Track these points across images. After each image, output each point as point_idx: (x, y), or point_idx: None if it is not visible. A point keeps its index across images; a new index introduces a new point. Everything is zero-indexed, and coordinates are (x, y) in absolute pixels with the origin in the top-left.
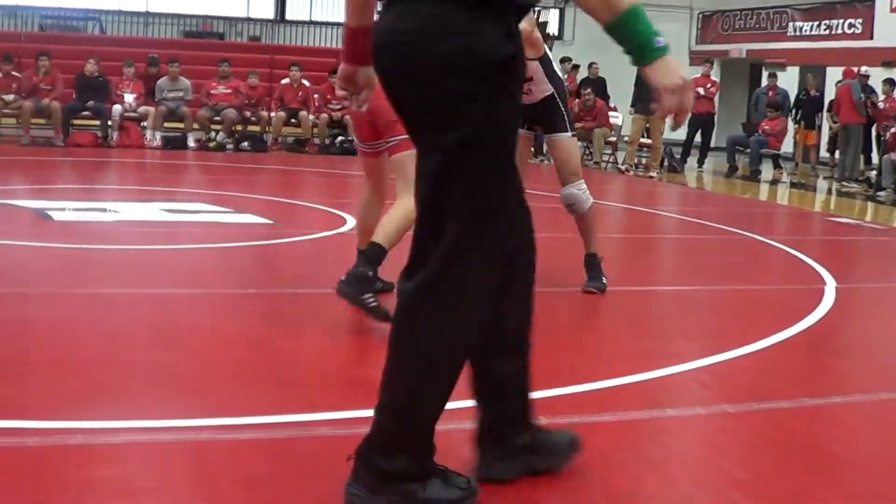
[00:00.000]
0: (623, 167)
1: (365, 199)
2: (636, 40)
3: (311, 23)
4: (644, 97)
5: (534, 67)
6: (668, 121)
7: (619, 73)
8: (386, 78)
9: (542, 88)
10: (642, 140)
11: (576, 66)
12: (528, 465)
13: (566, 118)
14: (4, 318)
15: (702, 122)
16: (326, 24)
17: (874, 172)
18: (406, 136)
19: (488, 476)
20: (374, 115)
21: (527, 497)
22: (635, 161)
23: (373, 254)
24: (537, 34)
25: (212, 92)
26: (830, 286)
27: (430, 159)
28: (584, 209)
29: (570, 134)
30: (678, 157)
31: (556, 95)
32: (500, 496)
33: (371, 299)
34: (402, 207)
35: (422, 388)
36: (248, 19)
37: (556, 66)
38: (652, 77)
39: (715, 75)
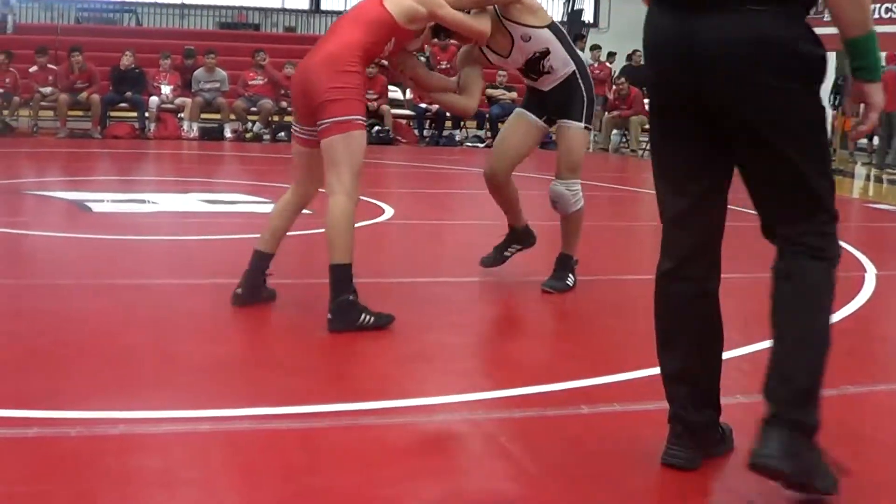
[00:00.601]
0: None
1: (284, 198)
2: (873, 59)
3: (345, 13)
4: None
5: (545, 37)
6: None
7: None
8: (710, 85)
9: (562, 62)
10: None
11: (612, 54)
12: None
13: (584, 105)
14: (45, 310)
15: None
16: None
17: None
18: (338, 119)
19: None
20: (310, 95)
21: (576, 482)
22: None
23: (340, 277)
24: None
25: (249, 83)
26: (871, 273)
27: (773, 161)
28: (568, 211)
29: (581, 125)
30: None
31: (578, 73)
32: (557, 484)
33: (366, 319)
34: (339, 210)
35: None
36: (283, 10)
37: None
38: (874, 94)
39: None
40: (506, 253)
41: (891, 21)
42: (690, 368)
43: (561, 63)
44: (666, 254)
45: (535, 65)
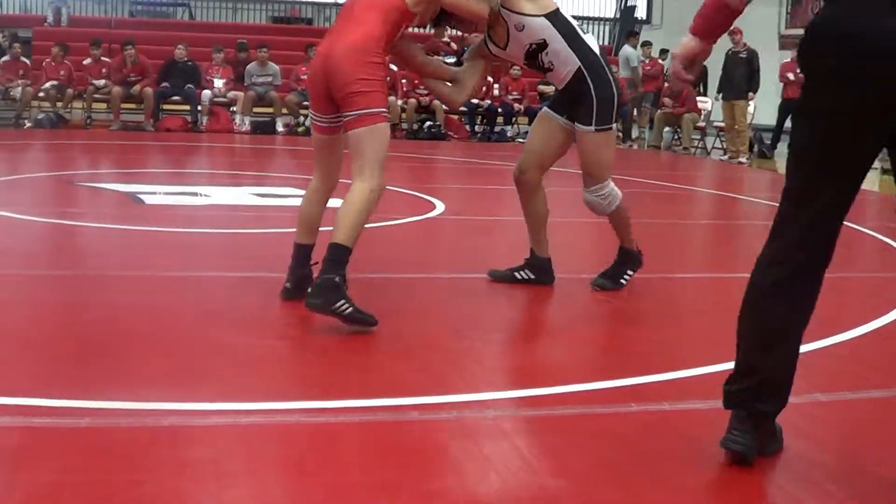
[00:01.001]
0: (726, 157)
1: (310, 187)
2: None
3: None
4: (728, 83)
5: (540, 26)
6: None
7: (711, 58)
8: None
9: (563, 59)
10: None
11: (664, 51)
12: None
13: (594, 106)
14: (97, 301)
15: (792, 107)
16: None
17: None
18: (364, 111)
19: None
20: (333, 86)
21: (625, 480)
22: (724, 146)
23: (335, 257)
24: None
25: (301, 77)
26: None
27: None
28: (604, 213)
29: (592, 128)
30: (768, 142)
31: (586, 71)
32: (605, 482)
33: (345, 307)
34: (357, 194)
35: None
36: (336, 4)
37: (580, 31)
38: None
39: None
40: (516, 275)
41: None
42: (781, 363)
43: (561, 60)
44: (798, 248)
45: (535, 59)
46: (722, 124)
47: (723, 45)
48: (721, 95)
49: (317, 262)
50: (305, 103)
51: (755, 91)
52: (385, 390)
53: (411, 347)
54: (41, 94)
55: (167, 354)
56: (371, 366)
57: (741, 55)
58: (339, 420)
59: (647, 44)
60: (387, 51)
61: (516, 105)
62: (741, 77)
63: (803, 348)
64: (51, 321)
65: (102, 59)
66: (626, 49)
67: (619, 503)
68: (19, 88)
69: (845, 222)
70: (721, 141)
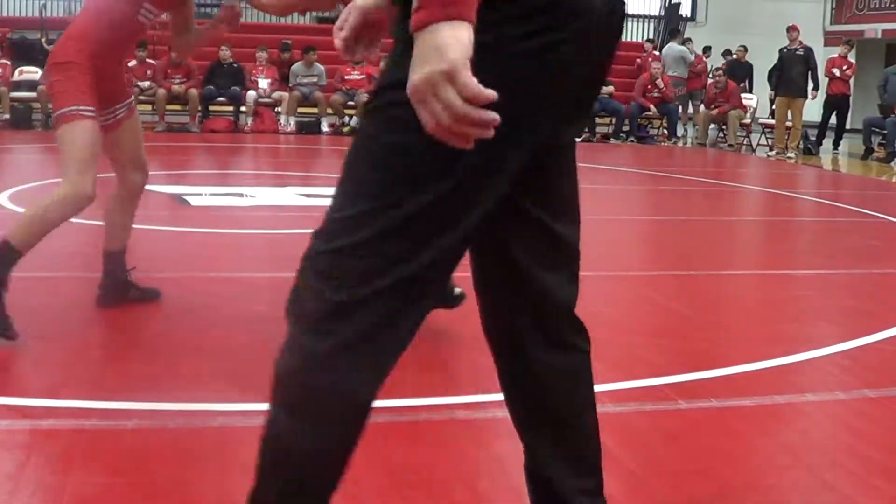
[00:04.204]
0: (773, 154)
1: (113, 194)
2: None
3: None
4: (786, 80)
5: None
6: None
7: (755, 55)
8: None
9: None
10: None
11: (707, 48)
12: None
13: None
14: (144, 302)
15: (837, 104)
16: None
17: None
18: (57, 114)
19: None
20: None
21: (677, 478)
22: (769, 143)
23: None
24: None
25: (346, 77)
26: None
27: None
28: None
29: None
30: (813, 139)
31: None
32: (658, 479)
33: None
34: (52, 195)
35: None
36: None
37: None
38: None
39: (850, 56)
40: None
41: None
42: None
43: None
44: None
45: None
46: (769, 121)
47: (776, 42)
48: (777, 93)
49: (134, 267)
50: (350, 103)
51: (817, 88)
52: (433, 389)
53: (460, 346)
54: None
55: (214, 356)
56: (420, 364)
57: (798, 52)
58: (387, 420)
59: (687, 40)
60: (94, 46)
61: None
62: (799, 74)
63: (850, 344)
64: (98, 324)
65: (147, 60)
66: (676, 46)
67: (669, 500)
68: None
69: (891, 218)
70: (767, 138)
